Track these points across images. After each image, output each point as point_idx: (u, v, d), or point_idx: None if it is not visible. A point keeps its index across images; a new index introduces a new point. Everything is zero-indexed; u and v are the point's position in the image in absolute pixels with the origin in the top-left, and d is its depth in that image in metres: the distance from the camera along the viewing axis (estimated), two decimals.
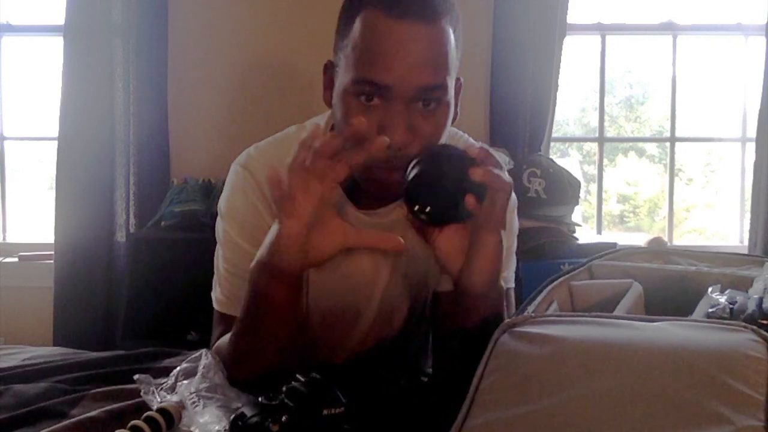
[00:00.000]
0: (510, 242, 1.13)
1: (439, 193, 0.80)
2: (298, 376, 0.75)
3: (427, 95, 0.90)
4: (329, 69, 1.00)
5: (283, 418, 0.71)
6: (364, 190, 1.03)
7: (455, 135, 1.16)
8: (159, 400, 0.88)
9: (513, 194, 1.14)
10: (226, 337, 1.01)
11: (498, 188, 0.78)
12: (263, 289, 0.91)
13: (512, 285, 1.16)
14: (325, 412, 0.73)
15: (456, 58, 0.95)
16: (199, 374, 0.92)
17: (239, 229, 1.05)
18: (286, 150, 1.05)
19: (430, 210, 0.81)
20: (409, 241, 1.06)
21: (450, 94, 0.94)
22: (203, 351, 0.96)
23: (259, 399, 0.73)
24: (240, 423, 0.73)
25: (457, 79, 0.98)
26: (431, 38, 0.89)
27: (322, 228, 0.86)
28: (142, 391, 0.90)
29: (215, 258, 1.11)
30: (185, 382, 0.91)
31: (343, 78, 0.94)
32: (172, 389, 0.91)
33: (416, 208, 0.81)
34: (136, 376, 0.93)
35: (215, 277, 1.11)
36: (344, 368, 1.17)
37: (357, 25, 0.91)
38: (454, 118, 1.00)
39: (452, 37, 0.92)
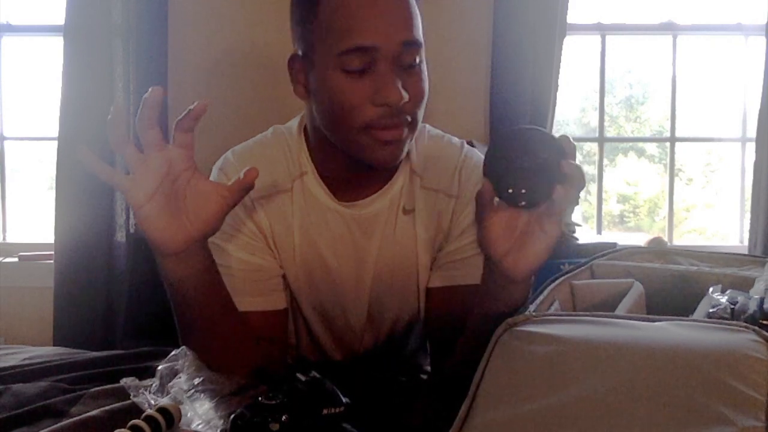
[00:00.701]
0: None
1: (536, 177, 0.77)
2: (298, 375, 0.75)
3: (408, 52, 0.95)
4: (295, 61, 1.02)
5: (283, 418, 0.71)
6: (345, 181, 1.06)
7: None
8: (152, 402, 0.88)
9: None
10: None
11: (577, 183, 0.77)
12: (165, 275, 0.94)
13: None
14: (324, 411, 0.73)
15: (420, 17, 1.00)
16: (184, 372, 0.92)
17: (219, 234, 1.06)
18: (262, 153, 1.11)
19: (526, 193, 0.77)
20: (395, 233, 1.06)
21: (423, 49, 0.99)
22: (182, 349, 0.97)
23: (259, 398, 0.73)
24: (240, 422, 0.73)
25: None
26: None
27: (188, 196, 0.89)
28: (132, 394, 0.90)
29: None
30: (178, 380, 0.91)
31: (324, 60, 0.96)
32: (162, 391, 0.91)
33: (510, 190, 0.78)
34: (122, 380, 0.93)
35: None
36: (345, 366, 1.17)
37: (324, 5, 0.95)
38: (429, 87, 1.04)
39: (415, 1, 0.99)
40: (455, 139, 1.18)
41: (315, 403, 0.73)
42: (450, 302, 1.09)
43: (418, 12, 0.98)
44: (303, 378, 0.74)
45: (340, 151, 1.04)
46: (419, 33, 0.97)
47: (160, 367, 0.94)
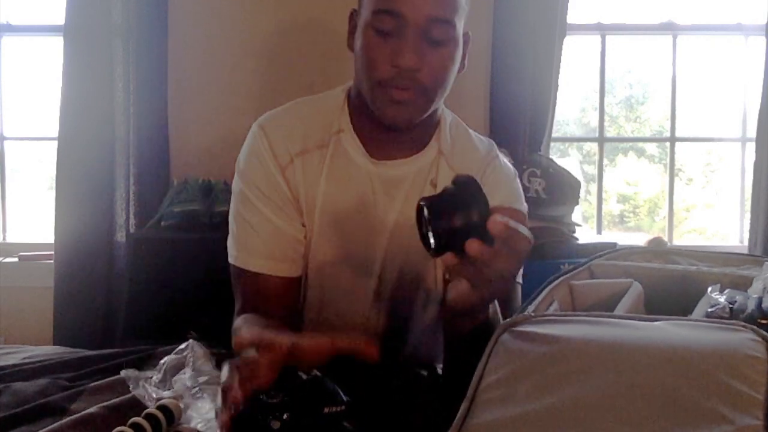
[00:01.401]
0: None
1: (449, 225, 0.75)
2: (300, 373, 0.75)
3: (437, 28, 1.00)
4: (354, 16, 1.09)
5: (285, 416, 0.71)
6: (378, 140, 1.11)
7: (466, 133, 1.22)
8: (153, 395, 0.88)
9: (523, 198, 1.21)
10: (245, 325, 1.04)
11: (513, 246, 0.74)
12: None
13: (520, 281, 1.20)
14: (326, 410, 0.73)
15: (465, 4, 1.04)
16: (190, 367, 0.92)
17: (254, 189, 1.12)
18: (304, 109, 1.18)
19: (434, 238, 0.75)
20: (413, 202, 1.07)
21: (458, 33, 1.03)
22: (191, 342, 0.97)
23: (261, 397, 0.73)
24: (241, 420, 0.73)
25: (466, 33, 1.08)
26: None
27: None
28: (131, 386, 0.90)
29: (231, 213, 1.17)
30: (183, 376, 0.91)
31: (363, 15, 1.04)
32: (164, 383, 0.91)
33: (424, 231, 0.76)
34: (123, 371, 0.93)
35: (230, 232, 1.16)
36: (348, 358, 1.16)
37: None
38: (461, 69, 1.09)
39: None
40: (484, 137, 1.23)
41: (316, 402, 0.73)
42: None
43: None
44: (304, 376, 0.75)
45: (366, 107, 1.10)
46: (453, 12, 1.01)
47: (165, 359, 0.94)
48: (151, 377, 0.92)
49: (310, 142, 1.13)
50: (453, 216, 0.74)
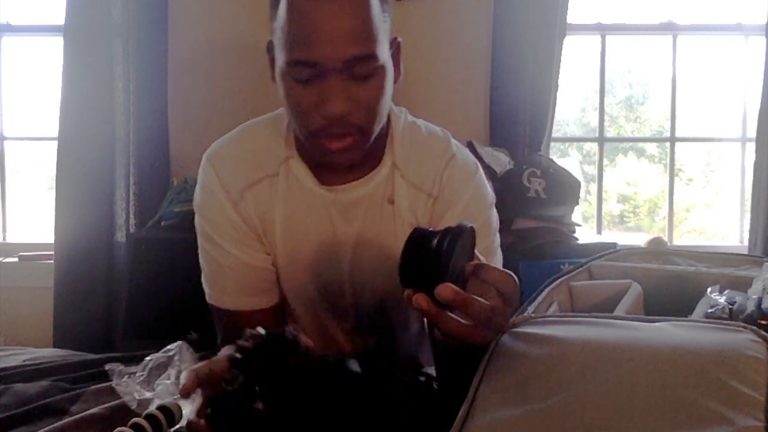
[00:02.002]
0: (491, 239, 1.12)
1: (425, 271, 0.70)
2: (259, 330, 0.74)
3: (358, 65, 0.92)
4: (270, 49, 1.02)
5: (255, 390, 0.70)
6: (327, 166, 1.06)
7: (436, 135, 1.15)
8: (136, 395, 0.88)
9: (488, 188, 1.15)
10: None
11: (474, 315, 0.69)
12: None
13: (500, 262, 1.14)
14: (291, 361, 0.73)
15: (384, 21, 0.96)
16: (174, 368, 0.92)
17: (214, 227, 1.09)
18: (248, 140, 1.12)
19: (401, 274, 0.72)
20: (381, 221, 1.07)
21: (382, 59, 0.95)
22: (180, 344, 0.97)
23: (223, 385, 0.72)
24: (219, 417, 0.72)
25: (394, 39, 1.02)
26: (352, 11, 0.91)
27: None
28: (114, 382, 0.90)
29: (199, 250, 1.14)
30: (167, 381, 0.91)
31: (279, 59, 0.97)
32: (147, 383, 0.91)
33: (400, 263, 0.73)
34: (107, 366, 0.93)
35: (202, 270, 1.15)
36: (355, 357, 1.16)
37: (282, 7, 0.94)
38: (397, 78, 1.03)
39: (375, 2, 0.94)
40: (439, 132, 1.16)
41: (279, 358, 0.72)
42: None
43: (375, 19, 0.93)
44: (262, 332, 0.74)
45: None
46: (373, 44, 0.93)
47: (148, 358, 0.94)
48: (135, 373, 0.92)
49: (258, 172, 1.09)
50: (430, 253, 0.70)
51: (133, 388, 0.89)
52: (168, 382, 0.91)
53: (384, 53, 0.96)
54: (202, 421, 0.75)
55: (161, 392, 0.89)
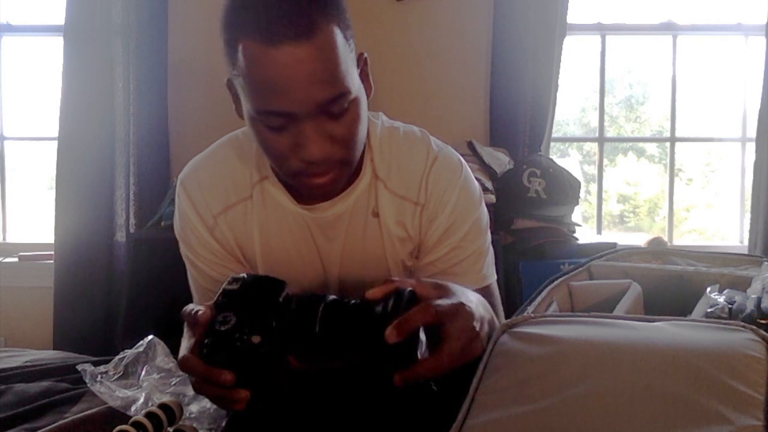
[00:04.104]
0: (481, 240, 1.09)
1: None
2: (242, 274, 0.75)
3: (331, 105, 0.88)
4: (231, 86, 0.96)
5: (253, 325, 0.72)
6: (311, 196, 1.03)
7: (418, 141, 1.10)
8: (117, 393, 0.88)
9: (475, 184, 1.10)
10: None
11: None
12: None
13: (493, 278, 1.11)
14: (281, 299, 0.74)
15: (350, 50, 0.91)
16: (150, 364, 0.92)
17: (197, 255, 1.08)
18: (219, 163, 1.09)
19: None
20: (365, 235, 1.05)
21: (355, 90, 0.91)
22: (150, 338, 0.97)
23: (217, 327, 0.73)
24: (216, 343, 0.72)
25: (360, 55, 0.96)
26: (317, 53, 0.85)
27: None
28: (88, 381, 0.90)
29: (188, 277, 1.13)
30: (155, 376, 0.91)
31: (245, 105, 0.92)
32: (124, 379, 0.91)
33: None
34: (79, 367, 0.93)
35: (193, 296, 1.14)
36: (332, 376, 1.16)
37: (240, 56, 0.87)
38: (369, 93, 0.97)
39: (338, 36, 0.88)
40: (418, 133, 1.10)
41: (267, 294, 0.74)
42: None
43: (341, 54, 0.88)
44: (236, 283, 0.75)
45: None
46: (343, 81, 0.88)
47: (119, 356, 0.94)
48: (106, 372, 0.92)
49: (232, 196, 1.06)
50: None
51: (112, 388, 0.89)
52: (155, 377, 0.91)
53: (355, 83, 0.92)
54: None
55: (148, 388, 0.89)
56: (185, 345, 0.75)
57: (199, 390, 0.76)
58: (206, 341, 0.73)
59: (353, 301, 0.74)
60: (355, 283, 1.10)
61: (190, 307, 0.77)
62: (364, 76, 0.96)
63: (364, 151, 1.03)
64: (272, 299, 0.74)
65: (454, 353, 0.72)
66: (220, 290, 0.75)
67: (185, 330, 0.77)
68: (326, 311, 0.73)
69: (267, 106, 0.87)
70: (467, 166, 1.09)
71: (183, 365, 0.75)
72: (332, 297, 0.75)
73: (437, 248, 1.06)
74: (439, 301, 0.73)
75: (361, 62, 0.96)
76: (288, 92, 0.85)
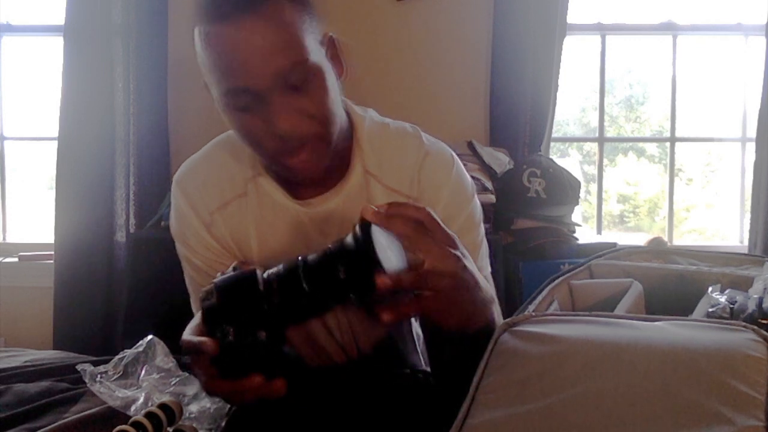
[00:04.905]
0: (475, 233, 1.09)
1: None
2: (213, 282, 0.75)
3: (292, 75, 0.89)
4: (206, 84, 0.98)
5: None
6: (299, 181, 1.03)
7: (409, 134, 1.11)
8: (118, 393, 0.88)
9: (468, 178, 1.10)
10: None
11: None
12: None
13: (488, 271, 1.10)
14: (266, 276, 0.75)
15: (307, 23, 0.92)
16: (149, 364, 0.92)
17: (194, 252, 1.08)
18: (213, 162, 1.11)
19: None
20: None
21: (315, 60, 0.92)
22: (150, 338, 0.97)
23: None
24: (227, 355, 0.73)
25: (327, 36, 0.97)
26: (265, 24, 0.87)
27: None
28: (88, 382, 0.90)
29: (185, 276, 1.14)
30: (154, 376, 0.91)
31: (214, 93, 0.94)
32: (124, 379, 0.91)
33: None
34: (78, 367, 0.93)
35: (190, 296, 1.14)
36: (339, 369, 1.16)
37: (198, 41, 0.91)
38: (341, 74, 0.99)
39: (287, 8, 0.90)
40: (409, 129, 1.11)
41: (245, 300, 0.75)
42: None
43: (294, 23, 0.90)
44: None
45: None
46: (298, 50, 0.89)
47: (119, 356, 0.94)
48: (106, 372, 0.92)
49: (227, 193, 1.07)
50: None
51: (112, 388, 0.89)
52: (155, 377, 0.91)
53: (315, 55, 0.92)
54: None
55: (147, 388, 0.89)
56: (202, 376, 0.77)
57: (236, 401, 0.78)
58: (220, 361, 0.74)
59: (328, 247, 0.75)
60: None
61: (187, 338, 0.77)
62: (334, 58, 0.98)
63: (352, 146, 1.05)
64: (253, 291, 0.74)
65: (438, 274, 0.74)
66: (202, 311, 0.75)
67: (194, 362, 0.77)
68: (306, 268, 0.74)
69: (228, 83, 0.89)
70: (459, 161, 1.10)
71: (208, 388, 0.76)
72: (306, 255, 0.76)
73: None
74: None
75: (327, 41, 0.97)
76: (245, 66, 0.87)
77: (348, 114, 1.06)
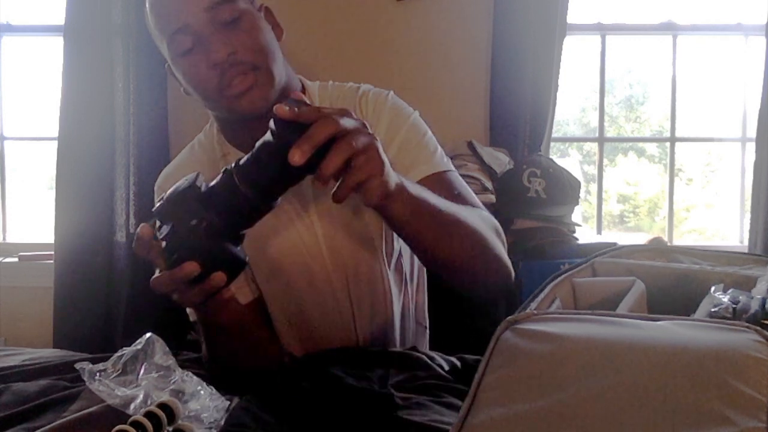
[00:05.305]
0: (426, 136, 1.17)
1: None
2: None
3: (220, 11, 1.01)
4: (169, 69, 1.11)
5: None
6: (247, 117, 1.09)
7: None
8: (118, 391, 0.88)
9: (404, 103, 1.20)
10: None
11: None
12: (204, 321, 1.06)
13: (449, 168, 1.16)
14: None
15: None
16: (149, 362, 0.92)
17: None
18: (187, 159, 1.23)
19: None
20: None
21: (243, 6, 1.04)
22: (149, 336, 0.97)
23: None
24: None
25: (261, 6, 1.11)
26: None
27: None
28: (87, 381, 0.90)
29: None
30: (153, 375, 0.91)
31: (166, 54, 1.06)
32: (123, 377, 0.91)
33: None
34: (77, 365, 0.92)
35: None
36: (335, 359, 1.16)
37: (148, 18, 1.06)
38: (279, 36, 1.11)
39: None
40: (353, 83, 1.22)
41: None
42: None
43: None
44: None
45: (233, 120, 1.11)
46: None
47: (118, 354, 0.94)
48: (105, 369, 0.92)
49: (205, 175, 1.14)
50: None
51: (111, 386, 0.89)
52: (154, 375, 0.91)
53: (244, 2, 1.05)
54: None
55: (146, 387, 0.88)
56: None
57: (183, 299, 0.86)
58: (162, 252, 0.80)
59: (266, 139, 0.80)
60: (338, 235, 1.15)
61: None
62: (273, 24, 1.11)
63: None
64: (192, 189, 0.80)
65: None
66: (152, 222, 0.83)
67: (141, 252, 0.87)
68: (237, 166, 0.80)
69: (170, 27, 1.01)
70: (394, 93, 1.21)
71: (154, 286, 0.84)
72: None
73: (387, 150, 1.11)
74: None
75: (262, 7, 1.11)
76: (179, 5, 1.01)
77: (301, 82, 1.18)
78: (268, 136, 0.79)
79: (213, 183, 0.81)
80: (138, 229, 0.85)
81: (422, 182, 1.07)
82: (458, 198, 1.09)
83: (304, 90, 1.17)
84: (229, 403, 0.88)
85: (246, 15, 1.04)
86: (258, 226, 1.11)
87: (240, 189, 0.79)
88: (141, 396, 0.87)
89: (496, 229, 1.08)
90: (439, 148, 1.17)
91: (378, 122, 1.14)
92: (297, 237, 1.14)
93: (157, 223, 0.83)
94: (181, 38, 1.01)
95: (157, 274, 0.85)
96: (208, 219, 0.79)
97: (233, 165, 0.80)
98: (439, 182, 1.09)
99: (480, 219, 1.04)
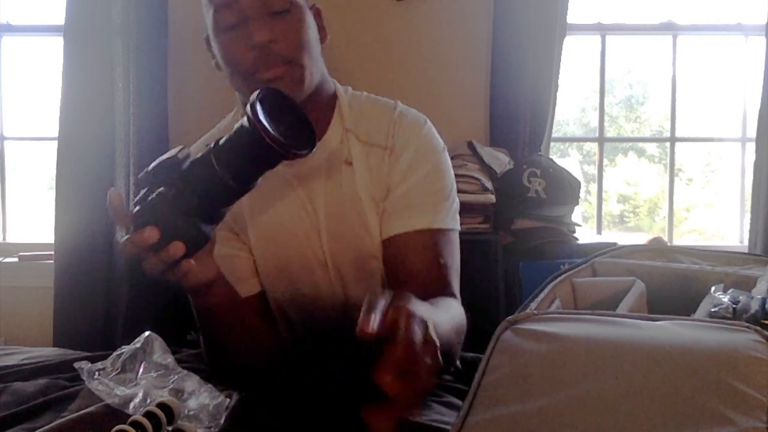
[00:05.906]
0: (442, 183, 1.15)
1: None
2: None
3: (275, 3, 1.03)
4: (207, 41, 1.16)
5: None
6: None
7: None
8: (117, 391, 0.88)
9: (438, 138, 1.18)
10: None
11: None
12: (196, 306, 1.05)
13: (453, 227, 1.14)
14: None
15: None
16: (147, 360, 0.92)
17: None
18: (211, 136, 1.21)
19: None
20: (342, 186, 1.12)
21: (298, 1, 1.07)
22: (148, 334, 0.97)
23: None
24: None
25: (313, 6, 1.13)
26: None
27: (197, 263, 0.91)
28: (86, 380, 0.90)
29: None
30: (152, 374, 0.91)
31: (210, 27, 1.10)
32: (122, 376, 0.91)
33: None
34: (76, 365, 0.92)
35: None
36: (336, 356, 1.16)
37: None
38: (323, 39, 1.13)
39: None
40: (390, 100, 1.22)
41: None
42: (403, 251, 1.10)
43: None
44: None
45: None
46: None
47: (117, 353, 0.94)
48: (104, 368, 0.92)
49: None
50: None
51: (110, 385, 0.89)
52: (153, 374, 0.90)
53: (302, 6, 1.07)
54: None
55: (146, 386, 0.88)
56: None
57: (147, 268, 0.86)
58: (131, 218, 0.83)
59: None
60: (342, 241, 1.14)
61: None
62: (319, 26, 1.13)
63: (333, 106, 1.16)
64: (172, 160, 0.82)
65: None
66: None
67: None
68: (216, 146, 0.82)
69: (218, 3, 1.05)
70: (432, 126, 1.19)
71: (120, 251, 0.86)
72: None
73: (401, 185, 1.13)
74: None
75: (314, 10, 1.13)
76: None
77: (333, 86, 1.18)
78: (244, 121, 0.80)
79: (194, 158, 0.83)
80: (108, 194, 0.88)
81: (413, 235, 1.09)
82: (440, 268, 1.08)
83: (335, 96, 1.17)
84: (228, 401, 0.88)
85: (296, 8, 1.06)
86: (267, 229, 1.12)
87: (216, 169, 0.81)
88: (140, 395, 0.87)
89: (462, 332, 1.03)
90: (452, 200, 1.15)
91: (404, 150, 1.13)
92: (306, 244, 1.14)
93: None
94: (227, 13, 1.04)
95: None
96: (178, 189, 0.81)
97: (212, 144, 0.82)
98: (429, 240, 1.09)
99: (454, 326, 0.97)
